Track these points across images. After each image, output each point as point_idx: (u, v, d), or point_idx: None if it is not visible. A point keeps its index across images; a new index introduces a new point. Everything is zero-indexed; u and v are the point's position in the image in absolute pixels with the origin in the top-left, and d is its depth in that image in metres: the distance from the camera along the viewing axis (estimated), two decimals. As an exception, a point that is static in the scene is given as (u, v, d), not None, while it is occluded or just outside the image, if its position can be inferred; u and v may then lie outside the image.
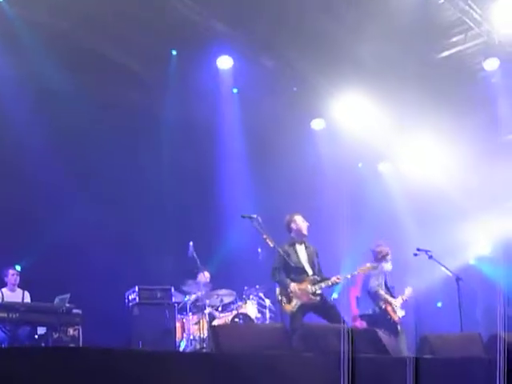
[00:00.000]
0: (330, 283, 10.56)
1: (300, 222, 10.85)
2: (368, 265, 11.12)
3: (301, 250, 10.75)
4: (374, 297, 12.02)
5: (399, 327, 11.81)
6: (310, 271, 10.56)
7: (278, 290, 10.44)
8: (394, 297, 12.05)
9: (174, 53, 14.38)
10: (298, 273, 10.49)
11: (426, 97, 15.49)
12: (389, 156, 18.66)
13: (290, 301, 10.29)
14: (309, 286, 10.36)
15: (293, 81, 15.81)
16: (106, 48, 13.54)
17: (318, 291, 10.41)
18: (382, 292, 11.91)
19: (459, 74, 15.76)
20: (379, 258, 12.17)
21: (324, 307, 10.43)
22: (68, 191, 13.25)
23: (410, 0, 13.26)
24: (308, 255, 10.73)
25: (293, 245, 10.75)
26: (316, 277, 10.51)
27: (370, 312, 12.07)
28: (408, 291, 12.36)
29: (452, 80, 15.65)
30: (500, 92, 16.06)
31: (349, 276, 10.89)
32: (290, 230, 10.89)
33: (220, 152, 15.72)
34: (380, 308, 11.92)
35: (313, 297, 10.34)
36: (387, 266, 12.15)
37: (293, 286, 10.28)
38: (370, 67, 15.02)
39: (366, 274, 11.94)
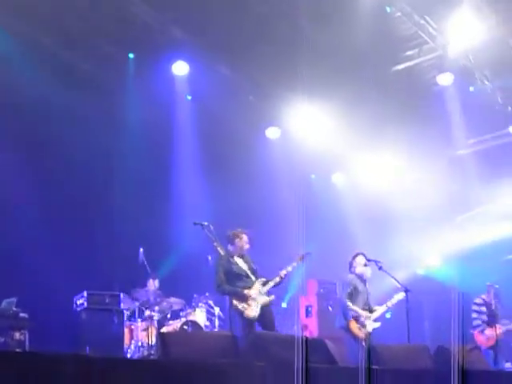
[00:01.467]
0: (278, 280, 10.74)
1: (244, 242, 10.98)
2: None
3: (239, 260, 10.88)
4: (342, 309, 11.78)
5: (364, 343, 11.61)
6: (253, 277, 10.69)
7: (234, 302, 10.40)
8: (368, 309, 11.74)
9: (131, 56, 14.27)
10: (242, 280, 10.63)
11: (381, 109, 15.64)
12: (343, 167, 18.76)
13: (249, 306, 10.35)
14: (260, 287, 10.53)
15: (249, 89, 15.80)
16: (61, 49, 13.38)
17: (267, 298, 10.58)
18: (350, 303, 11.59)
19: (414, 87, 15.88)
20: (349, 268, 12.09)
21: (267, 308, 10.61)
22: (15, 193, 13.05)
23: (367, 13, 13.30)
24: (247, 263, 10.88)
25: (231, 257, 10.85)
26: (263, 278, 10.68)
27: (337, 326, 11.89)
28: (391, 301, 11.91)
29: (407, 93, 15.79)
30: (453, 107, 16.25)
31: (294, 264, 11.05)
32: (231, 242, 10.96)
33: (174, 159, 15.66)
34: (345, 323, 11.65)
35: (267, 297, 10.54)
36: (356, 273, 11.96)
37: (247, 291, 10.40)
38: (326, 78, 15.09)
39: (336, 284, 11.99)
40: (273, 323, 10.64)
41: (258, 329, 10.37)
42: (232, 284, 10.54)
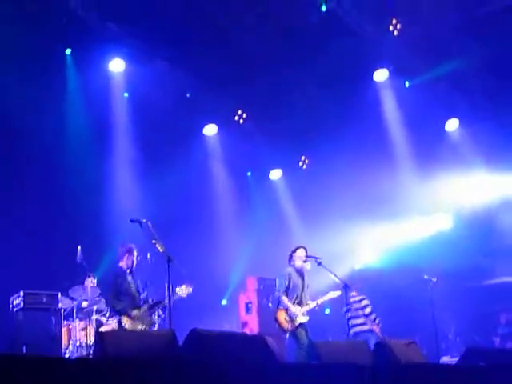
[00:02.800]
0: (161, 306, 11.48)
1: (133, 258, 11.53)
2: (183, 286, 11.46)
3: (131, 278, 11.51)
4: (277, 303, 11.98)
5: (287, 335, 11.79)
6: (137, 300, 11.43)
7: (124, 319, 11.15)
8: (300, 303, 11.81)
9: (68, 52, 14.08)
10: (131, 300, 11.34)
11: (324, 102, 15.78)
12: (280, 163, 18.81)
13: (134, 324, 11.11)
14: (147, 311, 11.40)
15: (187, 85, 15.72)
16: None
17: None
18: (284, 298, 11.71)
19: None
20: (289, 260, 12.13)
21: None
22: None
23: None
24: (137, 284, 11.57)
25: (124, 274, 11.49)
26: (148, 303, 11.50)
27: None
28: (323, 298, 12.18)
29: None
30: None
31: (175, 297, 11.24)
32: (122, 259, 11.58)
33: (110, 157, 15.54)
34: (274, 312, 11.89)
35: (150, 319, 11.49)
36: (295, 267, 12.00)
37: (135, 312, 11.19)
38: (265, 72, 15.17)
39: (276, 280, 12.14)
40: None
41: None
42: (123, 300, 11.35)
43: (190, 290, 11.45)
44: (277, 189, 19.04)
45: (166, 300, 10.57)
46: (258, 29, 14.15)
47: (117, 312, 11.37)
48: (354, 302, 13.91)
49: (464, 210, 17.67)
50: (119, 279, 11.40)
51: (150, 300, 11.64)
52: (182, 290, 11.34)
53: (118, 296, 11.31)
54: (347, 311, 13.63)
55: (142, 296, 11.60)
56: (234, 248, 17.27)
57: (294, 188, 18.61)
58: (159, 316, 13.07)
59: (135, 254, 11.48)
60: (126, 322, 11.05)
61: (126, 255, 11.44)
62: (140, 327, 11.09)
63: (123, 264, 11.49)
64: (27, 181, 14.03)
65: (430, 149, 16.87)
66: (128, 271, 11.48)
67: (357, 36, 14.55)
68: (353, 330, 13.94)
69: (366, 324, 14.03)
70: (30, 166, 14.07)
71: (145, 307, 11.35)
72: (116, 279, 11.44)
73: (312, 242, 13.02)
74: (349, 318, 14.05)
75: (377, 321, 14.05)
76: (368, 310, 14.07)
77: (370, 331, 13.87)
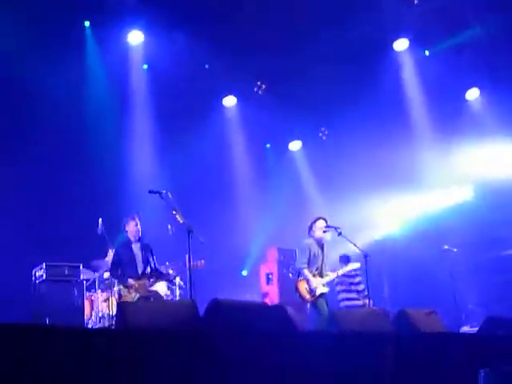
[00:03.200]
0: (164, 278, 11.72)
1: (132, 227, 11.53)
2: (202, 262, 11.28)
3: (136, 248, 11.47)
4: (298, 274, 11.98)
5: (308, 305, 11.82)
6: (141, 268, 11.34)
7: (119, 286, 11.38)
8: (320, 274, 11.78)
9: (87, 24, 14.07)
10: (133, 269, 11.32)
11: (344, 73, 15.69)
12: (301, 135, 18.78)
13: (130, 293, 11.11)
14: (146, 281, 11.29)
15: (205, 57, 15.69)
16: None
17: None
18: (306, 270, 11.63)
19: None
20: (309, 231, 12.11)
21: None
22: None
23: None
24: (142, 253, 11.41)
25: (128, 243, 11.56)
26: (150, 275, 11.39)
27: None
28: (343, 269, 12.26)
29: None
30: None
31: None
32: (125, 231, 11.65)
33: (129, 129, 15.58)
34: (295, 282, 11.92)
35: (148, 291, 11.23)
36: (315, 237, 11.94)
37: (131, 281, 11.18)
38: (285, 43, 15.12)
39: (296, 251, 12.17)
40: None
41: None
42: (124, 269, 11.40)
43: (203, 264, 11.33)
44: (296, 160, 19.03)
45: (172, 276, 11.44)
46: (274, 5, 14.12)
47: (115, 279, 11.68)
48: (349, 275, 13.76)
49: (484, 181, 17.54)
50: (122, 248, 11.57)
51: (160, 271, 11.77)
52: (198, 263, 11.19)
53: (118, 264, 11.45)
54: (339, 283, 13.67)
55: (149, 266, 11.52)
56: (254, 219, 17.30)
57: (314, 159, 18.57)
58: (180, 287, 13.18)
59: (138, 221, 11.51)
60: (122, 292, 11.21)
61: (130, 224, 11.51)
62: (135, 297, 11.09)
63: (129, 233, 11.58)
64: (47, 152, 14.07)
65: (451, 119, 16.73)
66: (133, 240, 11.55)
67: (376, 6, 14.45)
68: (343, 304, 14.00)
69: (358, 299, 14.01)
70: (50, 136, 14.09)
71: (144, 278, 11.33)
72: (118, 248, 11.66)
73: (332, 212, 12.99)
74: (339, 291, 14.11)
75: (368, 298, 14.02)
76: (362, 287, 13.99)
77: (362, 306, 13.82)
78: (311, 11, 14.26)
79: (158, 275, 11.53)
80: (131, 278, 11.23)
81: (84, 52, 14.36)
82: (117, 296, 12.30)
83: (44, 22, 13.20)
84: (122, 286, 11.27)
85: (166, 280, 11.71)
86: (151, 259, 11.51)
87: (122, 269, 11.39)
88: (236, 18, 14.24)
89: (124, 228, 11.64)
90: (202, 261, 11.19)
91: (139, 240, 11.58)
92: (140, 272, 11.33)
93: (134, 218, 11.56)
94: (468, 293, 15.99)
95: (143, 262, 11.41)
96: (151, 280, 11.32)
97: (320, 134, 18.73)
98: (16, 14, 12.76)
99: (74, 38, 13.95)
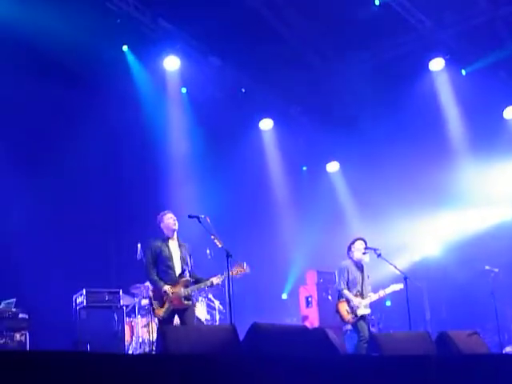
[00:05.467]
0: (202, 286, 10.44)
1: (169, 219, 10.52)
2: (244, 264, 10.31)
3: (173, 245, 10.53)
4: (338, 295, 11.88)
5: (348, 326, 11.74)
6: (178, 270, 10.33)
7: (151, 293, 10.31)
8: (360, 295, 11.68)
9: (126, 49, 14.17)
10: (168, 271, 10.30)
11: (381, 93, 15.69)
12: (336, 156, 18.75)
13: (162, 304, 10.11)
14: (182, 289, 10.17)
15: (241, 81, 15.78)
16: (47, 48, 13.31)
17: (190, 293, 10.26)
18: (346, 291, 11.61)
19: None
20: (347, 252, 12.01)
21: (187, 311, 10.24)
22: (11, 193, 13.04)
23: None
24: (181, 253, 10.47)
25: (164, 240, 10.52)
26: (189, 279, 10.32)
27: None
28: (386, 290, 11.92)
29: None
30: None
31: (221, 278, 10.23)
32: (161, 227, 10.62)
33: (167, 153, 15.66)
34: (336, 303, 11.85)
35: (185, 301, 10.18)
36: (354, 259, 11.87)
37: (167, 288, 10.10)
38: (318, 70, 15.17)
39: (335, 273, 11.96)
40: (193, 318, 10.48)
41: None
42: (157, 271, 10.33)
43: (247, 270, 10.31)
44: (334, 182, 19.00)
45: (213, 280, 10.21)
46: (307, 24, 14.17)
47: (150, 282, 10.56)
48: None
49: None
50: (156, 244, 10.45)
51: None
52: (237, 269, 10.18)
53: (154, 264, 10.35)
54: None
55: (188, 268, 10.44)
56: (293, 242, 17.29)
57: (352, 180, 18.52)
58: (220, 311, 13.17)
59: (170, 215, 10.55)
60: (154, 305, 10.14)
61: (167, 215, 10.55)
62: (167, 306, 10.05)
63: (165, 228, 10.53)
64: (88, 183, 14.22)
65: (489, 137, 16.57)
66: (171, 234, 10.54)
67: (411, 26, 14.45)
68: None
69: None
70: (89, 169, 14.24)
71: (181, 283, 10.18)
72: (152, 244, 10.49)
73: (371, 234, 12.90)
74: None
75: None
76: None
77: None
78: (349, 32, 14.27)
79: (198, 279, 10.42)
80: (166, 282, 10.15)
81: (124, 75, 14.42)
82: (157, 321, 12.33)
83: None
84: (153, 296, 10.19)
85: (205, 285, 10.40)
86: (189, 260, 10.54)
87: (157, 269, 10.31)
88: (269, 40, 14.29)
89: (160, 223, 10.58)
90: (244, 263, 10.35)
91: (177, 237, 10.64)
92: (177, 274, 10.29)
93: (170, 211, 10.67)
94: (510, 314, 15.80)
95: (181, 261, 10.39)
96: (189, 288, 10.20)
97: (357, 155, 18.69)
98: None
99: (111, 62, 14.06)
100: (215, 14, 13.29)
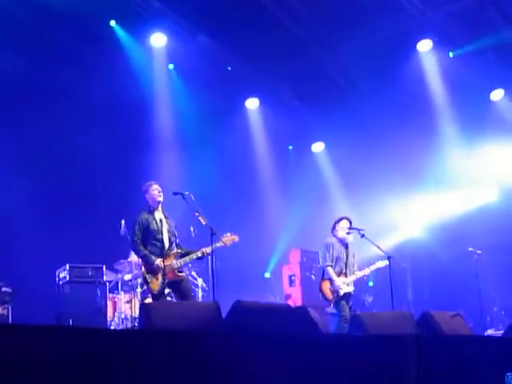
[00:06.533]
0: (194, 257, 10.22)
1: (155, 190, 10.35)
2: (228, 234, 10.24)
3: (159, 215, 10.39)
4: (322, 274, 11.90)
5: (330, 309, 11.78)
6: (167, 243, 10.21)
7: (143, 268, 10.14)
8: (345, 273, 11.71)
9: (113, 24, 14.07)
10: (157, 243, 10.19)
11: (367, 74, 15.68)
12: (323, 136, 18.74)
13: (156, 278, 9.99)
14: (174, 261, 10.09)
15: (228, 60, 15.71)
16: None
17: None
18: (330, 268, 11.62)
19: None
20: (332, 230, 12.01)
21: (183, 283, 10.20)
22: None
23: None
24: (168, 225, 10.37)
25: (150, 212, 10.37)
26: (179, 250, 10.26)
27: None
28: (371, 267, 11.92)
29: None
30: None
31: (218, 244, 9.99)
32: (146, 198, 10.46)
33: (152, 129, 15.62)
34: (319, 282, 11.86)
35: (178, 273, 10.12)
36: (338, 237, 11.87)
37: (159, 261, 9.97)
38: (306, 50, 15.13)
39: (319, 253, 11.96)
40: (192, 297, 10.46)
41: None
42: (145, 244, 10.18)
43: (236, 238, 10.29)
44: (319, 162, 18.99)
45: (204, 250, 10.02)
46: (297, 4, 14.12)
47: (140, 257, 10.32)
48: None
49: (509, 183, 17.42)
50: (143, 217, 10.26)
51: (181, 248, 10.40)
52: (227, 237, 10.18)
53: (142, 239, 10.19)
54: None
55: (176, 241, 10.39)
56: (277, 221, 17.31)
57: (337, 161, 18.53)
58: (203, 289, 13.18)
59: (156, 186, 10.35)
60: (148, 278, 10.00)
61: (152, 186, 10.35)
62: (161, 280, 9.90)
63: (150, 199, 10.36)
64: (73, 157, 14.16)
65: (475, 120, 16.61)
66: (157, 205, 10.38)
67: (400, 7, 14.39)
68: None
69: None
70: (75, 144, 14.18)
71: (171, 256, 10.09)
72: (139, 218, 10.27)
73: (355, 214, 12.93)
74: None
75: None
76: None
77: None
78: (338, 12, 14.20)
79: (186, 251, 10.25)
80: (156, 255, 10.01)
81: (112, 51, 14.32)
82: (139, 297, 12.33)
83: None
84: (145, 270, 10.02)
85: (196, 256, 10.12)
86: (176, 232, 10.45)
87: (146, 242, 10.16)
88: (259, 20, 14.22)
89: (145, 193, 10.39)
90: (236, 237, 10.31)
91: (162, 209, 10.47)
92: (166, 246, 10.17)
93: (155, 182, 10.44)
94: (493, 296, 15.89)
95: (169, 234, 10.25)
96: (179, 260, 10.07)
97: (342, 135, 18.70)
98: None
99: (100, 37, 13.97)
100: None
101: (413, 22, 14.84)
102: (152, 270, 10.00)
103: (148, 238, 10.22)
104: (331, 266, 11.65)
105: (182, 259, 10.19)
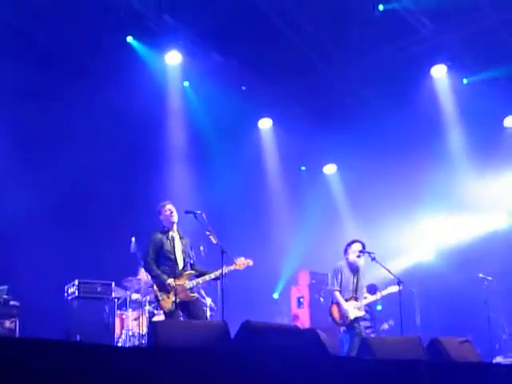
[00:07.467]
0: (207, 278, 10.22)
1: (169, 211, 10.38)
2: (243, 258, 10.30)
3: (174, 238, 10.39)
4: (331, 297, 11.84)
5: (341, 329, 11.72)
6: (181, 263, 10.23)
7: (155, 286, 10.09)
8: (355, 298, 11.65)
9: (130, 39, 14.09)
10: (170, 264, 10.20)
11: (381, 96, 15.66)
12: (335, 158, 18.74)
13: (168, 297, 9.97)
14: (186, 282, 10.10)
15: (242, 79, 15.74)
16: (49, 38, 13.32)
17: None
18: (337, 293, 11.56)
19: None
20: (344, 252, 11.93)
21: (194, 303, 10.20)
22: (3, 178, 13.00)
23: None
24: (182, 245, 10.38)
25: (164, 232, 10.39)
26: (192, 271, 10.27)
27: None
28: (382, 292, 12.10)
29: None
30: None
31: (232, 267, 10.13)
32: (160, 219, 10.48)
33: (165, 147, 15.65)
34: (329, 306, 11.80)
35: (191, 294, 10.13)
36: (348, 260, 11.80)
37: (171, 281, 9.95)
38: (319, 71, 15.14)
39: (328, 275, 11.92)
40: (204, 317, 10.42)
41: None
42: (159, 264, 10.18)
43: (251, 263, 10.35)
44: (331, 183, 18.98)
45: (214, 274, 10.07)
46: (311, 26, 14.14)
47: (152, 277, 10.28)
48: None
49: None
50: (157, 237, 10.28)
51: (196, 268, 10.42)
52: (242, 261, 10.25)
53: (155, 259, 10.19)
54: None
55: (190, 261, 10.41)
56: (287, 242, 17.28)
57: (349, 183, 18.51)
58: (211, 308, 13.13)
59: (169, 207, 10.36)
60: (160, 296, 9.98)
61: (166, 206, 10.37)
62: (173, 299, 9.86)
63: (165, 219, 10.38)
64: (83, 174, 14.17)
65: (488, 145, 16.56)
66: (171, 226, 10.39)
67: (415, 32, 14.40)
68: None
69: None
70: (86, 160, 14.19)
71: (185, 276, 10.10)
72: (152, 237, 10.30)
73: (366, 237, 12.88)
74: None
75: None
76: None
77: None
78: (352, 34, 14.19)
79: (201, 272, 10.28)
80: (169, 275, 10.00)
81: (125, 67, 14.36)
82: (147, 315, 12.30)
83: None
84: (158, 289, 10.01)
85: (209, 278, 10.14)
86: (191, 253, 10.52)
87: (159, 262, 10.16)
88: (272, 40, 14.24)
89: (159, 214, 10.41)
90: (250, 261, 10.39)
91: (177, 229, 10.48)
92: (180, 267, 10.18)
93: (169, 203, 10.47)
94: (502, 323, 15.80)
95: (183, 254, 10.29)
96: (192, 281, 10.13)
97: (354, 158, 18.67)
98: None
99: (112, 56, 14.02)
100: (220, 13, 13.24)
101: (426, 45, 14.80)
102: (164, 289, 9.99)
103: (161, 258, 10.21)
104: (338, 290, 11.60)
105: (195, 280, 10.20)
